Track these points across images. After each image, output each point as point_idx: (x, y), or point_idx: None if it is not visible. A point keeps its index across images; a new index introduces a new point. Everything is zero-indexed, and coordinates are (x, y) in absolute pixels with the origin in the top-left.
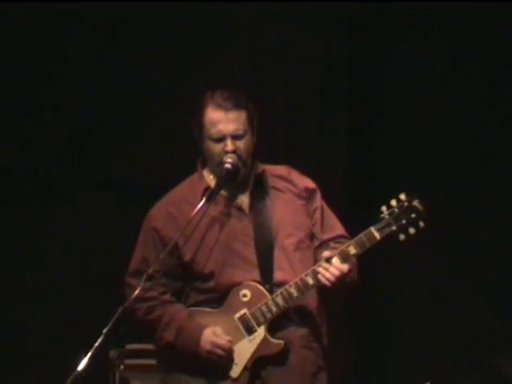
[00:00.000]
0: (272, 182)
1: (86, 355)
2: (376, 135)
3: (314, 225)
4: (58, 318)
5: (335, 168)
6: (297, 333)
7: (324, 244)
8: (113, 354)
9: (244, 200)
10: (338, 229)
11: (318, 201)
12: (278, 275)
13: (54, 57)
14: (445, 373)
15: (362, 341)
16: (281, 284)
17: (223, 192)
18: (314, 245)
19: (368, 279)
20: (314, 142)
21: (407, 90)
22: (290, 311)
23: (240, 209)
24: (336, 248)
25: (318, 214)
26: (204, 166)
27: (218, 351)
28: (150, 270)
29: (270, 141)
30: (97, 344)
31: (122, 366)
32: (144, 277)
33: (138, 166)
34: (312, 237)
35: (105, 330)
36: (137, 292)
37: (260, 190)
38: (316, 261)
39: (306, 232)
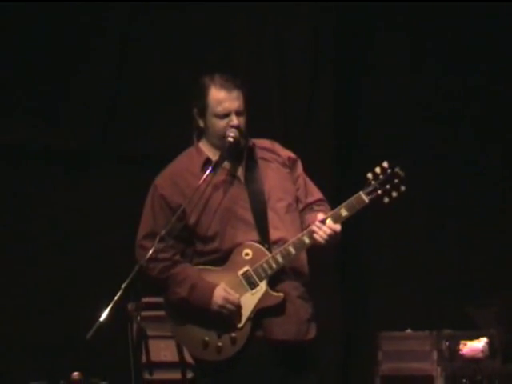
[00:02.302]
0: (260, 153)
1: (106, 308)
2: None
3: (297, 190)
4: (85, 275)
5: (324, 142)
6: (292, 285)
7: (308, 207)
8: (131, 306)
9: (239, 170)
10: (318, 193)
11: (300, 169)
12: (273, 234)
13: (86, 37)
14: (423, 320)
15: (347, 291)
16: (276, 242)
17: (224, 163)
18: (299, 208)
19: (355, 232)
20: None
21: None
22: (286, 267)
23: (236, 177)
24: (320, 210)
25: (301, 181)
26: (199, 139)
27: (229, 306)
28: (163, 233)
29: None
30: (116, 298)
31: (139, 317)
32: (157, 239)
33: (165, 142)
34: (297, 201)
35: (123, 285)
36: (151, 252)
37: (251, 160)
38: (302, 222)
39: (292, 196)
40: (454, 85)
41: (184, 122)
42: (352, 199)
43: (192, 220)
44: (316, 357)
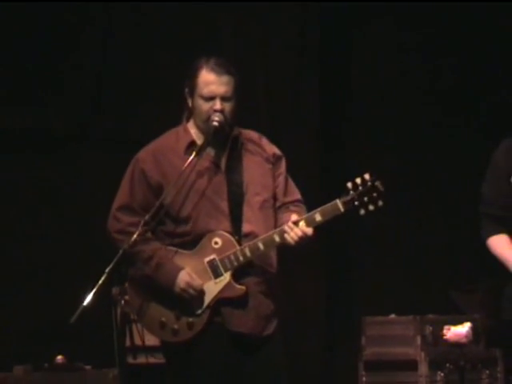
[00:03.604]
0: (246, 144)
1: (90, 292)
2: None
3: (277, 187)
4: (69, 259)
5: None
6: (256, 280)
7: (284, 206)
8: (115, 290)
9: (222, 158)
10: (297, 194)
11: (283, 167)
12: (245, 227)
13: (72, 20)
14: (407, 305)
15: (331, 276)
16: (247, 235)
17: (210, 147)
18: (276, 205)
19: (340, 217)
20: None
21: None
22: (253, 261)
23: (217, 165)
24: (295, 211)
25: (282, 179)
26: (188, 120)
27: (191, 291)
28: (137, 207)
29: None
30: (100, 282)
31: (123, 302)
32: (133, 214)
33: (152, 125)
34: (274, 198)
35: (107, 269)
36: (121, 226)
37: (235, 150)
38: (277, 220)
39: (270, 193)
40: (441, 73)
41: (170, 105)
42: (328, 206)
43: (168, 200)
44: (274, 352)
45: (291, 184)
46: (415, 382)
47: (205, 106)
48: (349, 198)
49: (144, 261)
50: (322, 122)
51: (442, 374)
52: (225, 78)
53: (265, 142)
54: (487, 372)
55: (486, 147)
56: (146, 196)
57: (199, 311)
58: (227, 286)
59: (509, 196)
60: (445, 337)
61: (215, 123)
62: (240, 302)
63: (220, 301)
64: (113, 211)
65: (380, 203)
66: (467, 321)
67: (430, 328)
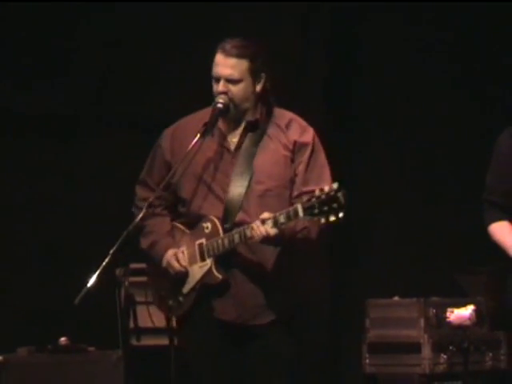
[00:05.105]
0: (268, 129)
1: (94, 273)
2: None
3: (296, 175)
4: (73, 240)
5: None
6: (245, 271)
7: (301, 195)
8: (119, 272)
9: (234, 141)
10: (319, 184)
11: (306, 155)
12: (239, 215)
13: (81, 3)
14: (411, 287)
15: (335, 259)
16: (239, 224)
17: (222, 130)
18: (294, 194)
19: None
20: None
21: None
22: (244, 253)
23: (227, 149)
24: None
25: (302, 167)
26: None
27: (171, 270)
28: (152, 182)
29: None
30: (104, 263)
31: (126, 283)
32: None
33: (162, 106)
34: (290, 187)
35: (111, 251)
36: (136, 200)
37: (252, 134)
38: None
39: (277, 182)
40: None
41: (177, 87)
42: (290, 209)
43: (174, 179)
44: (268, 345)
45: (315, 173)
46: (419, 364)
47: (214, 86)
48: (310, 204)
49: (144, 235)
50: (326, 114)
51: (446, 357)
52: (231, 61)
53: (294, 126)
54: (491, 354)
55: (497, 131)
56: (160, 173)
57: (185, 291)
58: (208, 273)
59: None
60: (448, 319)
61: (219, 105)
62: (221, 290)
63: (204, 286)
64: (137, 184)
65: (340, 215)
66: (471, 303)
67: (434, 310)
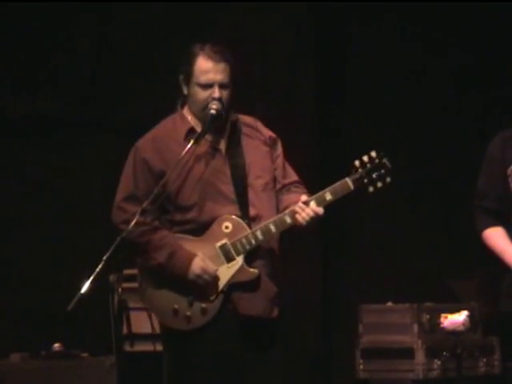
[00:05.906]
0: (243, 129)
1: (88, 279)
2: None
3: (275, 169)
4: (66, 246)
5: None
6: (263, 263)
7: (284, 188)
8: (112, 278)
9: (222, 143)
10: (295, 176)
11: (280, 149)
12: (251, 211)
13: (67, 6)
14: (404, 293)
15: (328, 264)
16: (254, 219)
17: (211, 133)
18: (276, 188)
19: (337, 204)
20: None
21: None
22: (260, 244)
23: (218, 150)
24: (297, 192)
25: (279, 161)
26: (183, 106)
27: (206, 276)
28: (142, 196)
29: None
30: (98, 269)
31: (120, 289)
32: (139, 204)
33: (145, 110)
34: (274, 180)
35: (105, 257)
36: (130, 215)
37: (234, 135)
38: (278, 202)
39: (270, 175)
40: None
41: (163, 90)
42: (337, 184)
43: (171, 188)
44: (279, 335)
45: (288, 166)
46: (412, 369)
47: (202, 94)
48: (357, 175)
49: (156, 250)
50: (318, 109)
51: (439, 362)
52: (222, 65)
53: (260, 125)
54: (484, 360)
55: (492, 133)
56: (149, 185)
57: (212, 297)
58: (240, 270)
59: (504, 188)
60: (442, 325)
61: (213, 111)
62: (252, 285)
63: (232, 285)
64: (117, 202)
65: (388, 180)
66: (464, 309)
67: (427, 316)
